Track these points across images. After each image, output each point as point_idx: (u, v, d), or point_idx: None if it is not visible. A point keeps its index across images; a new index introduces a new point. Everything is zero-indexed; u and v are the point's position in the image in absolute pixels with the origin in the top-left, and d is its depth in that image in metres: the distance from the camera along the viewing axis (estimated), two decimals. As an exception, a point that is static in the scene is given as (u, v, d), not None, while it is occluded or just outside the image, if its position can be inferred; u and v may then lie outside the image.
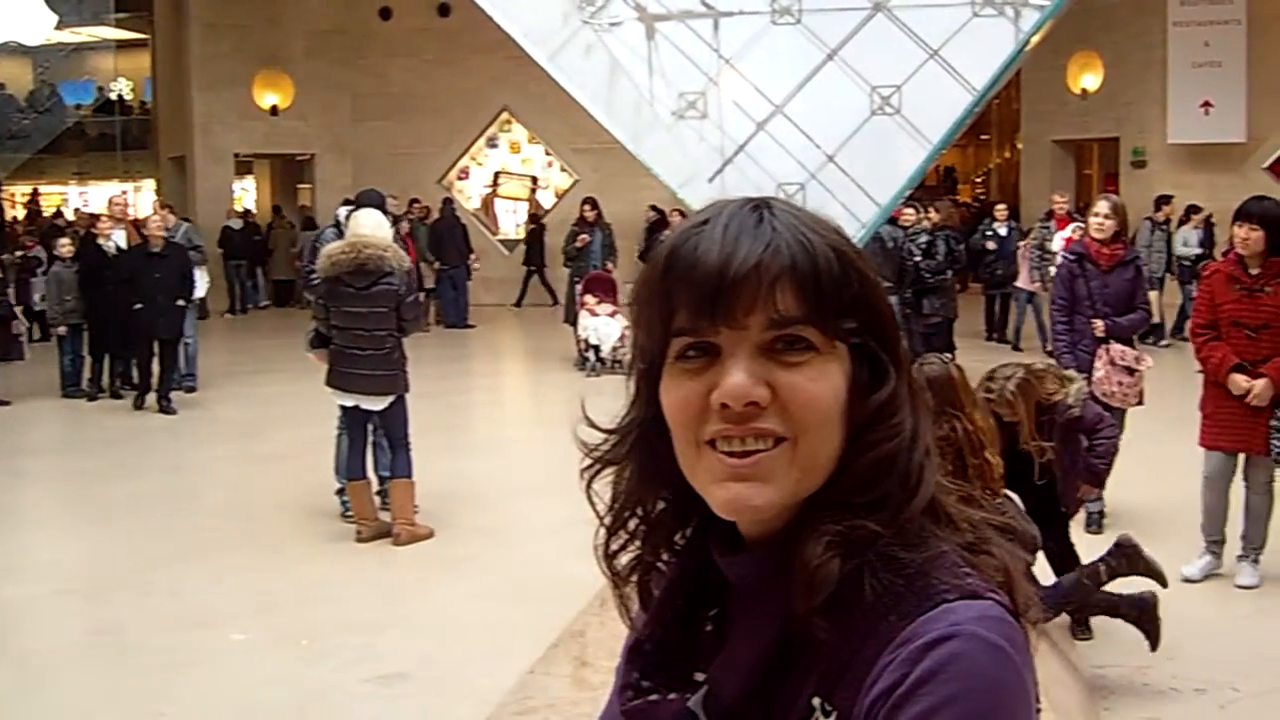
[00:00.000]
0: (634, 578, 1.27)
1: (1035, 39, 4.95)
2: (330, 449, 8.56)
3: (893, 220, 12.14)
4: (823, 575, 1.08)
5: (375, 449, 8.29)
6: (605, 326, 14.55)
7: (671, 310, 1.13)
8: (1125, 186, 20.33)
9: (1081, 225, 13.68)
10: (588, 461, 1.26)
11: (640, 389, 1.21)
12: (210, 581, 7.39)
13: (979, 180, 35.01)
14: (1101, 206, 7.82)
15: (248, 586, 7.29)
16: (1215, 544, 6.93)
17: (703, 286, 1.10)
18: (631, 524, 1.25)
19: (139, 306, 12.37)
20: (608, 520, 1.25)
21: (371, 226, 7.94)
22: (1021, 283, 15.66)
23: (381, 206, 8.61)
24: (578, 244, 16.67)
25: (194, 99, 22.72)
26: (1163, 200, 17.14)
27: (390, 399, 7.91)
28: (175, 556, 7.93)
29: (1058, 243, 13.79)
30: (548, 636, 4.90)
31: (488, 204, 23.69)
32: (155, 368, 12.89)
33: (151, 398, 12.89)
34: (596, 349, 14.58)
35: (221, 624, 6.67)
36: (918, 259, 12.74)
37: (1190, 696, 5.37)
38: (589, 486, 1.25)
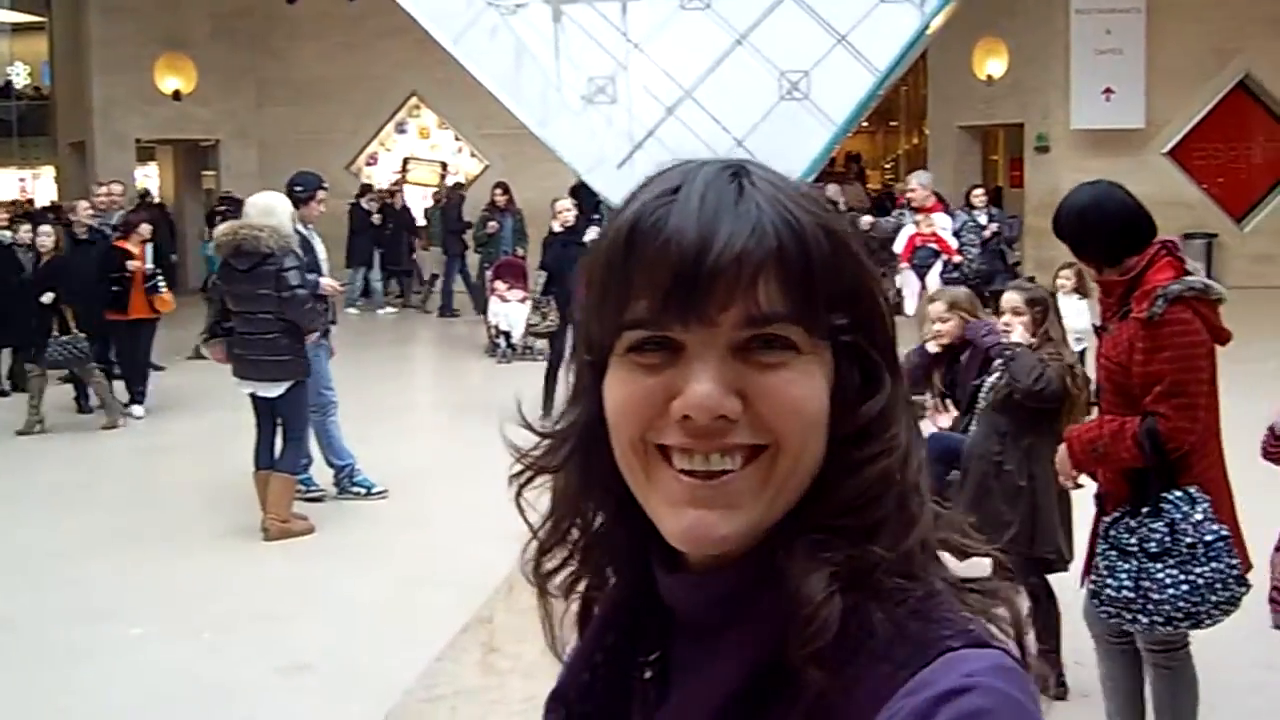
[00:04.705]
0: (572, 596, 1.11)
1: (938, 21, 4.99)
2: (236, 437, 8.43)
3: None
4: (825, 615, 0.92)
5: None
6: (516, 312, 14.46)
7: (629, 296, 0.95)
8: (1030, 172, 20.68)
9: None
10: (517, 469, 1.08)
11: (584, 384, 1.03)
12: (108, 574, 7.25)
13: (887, 166, 35.37)
14: None
15: (147, 578, 7.16)
16: None
17: (673, 275, 0.93)
18: (571, 536, 1.08)
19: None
20: (543, 535, 1.08)
21: (259, 210, 7.87)
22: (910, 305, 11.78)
23: (310, 187, 8.65)
24: (488, 230, 16.59)
25: (93, 83, 22.20)
26: None
27: (283, 386, 7.76)
28: (72, 550, 7.76)
29: (901, 241, 11.70)
30: (456, 623, 4.87)
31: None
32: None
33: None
34: (507, 335, 14.50)
35: (120, 617, 6.55)
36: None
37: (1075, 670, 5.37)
38: (519, 495, 1.08)
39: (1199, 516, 4.04)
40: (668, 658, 1.05)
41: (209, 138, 23.49)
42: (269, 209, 7.88)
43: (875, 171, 34.45)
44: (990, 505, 5.31)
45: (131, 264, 11.51)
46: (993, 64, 21.05)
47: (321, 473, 8.67)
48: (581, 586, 1.10)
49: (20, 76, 35.91)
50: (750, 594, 0.97)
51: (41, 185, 31.92)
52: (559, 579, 1.09)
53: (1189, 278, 4.05)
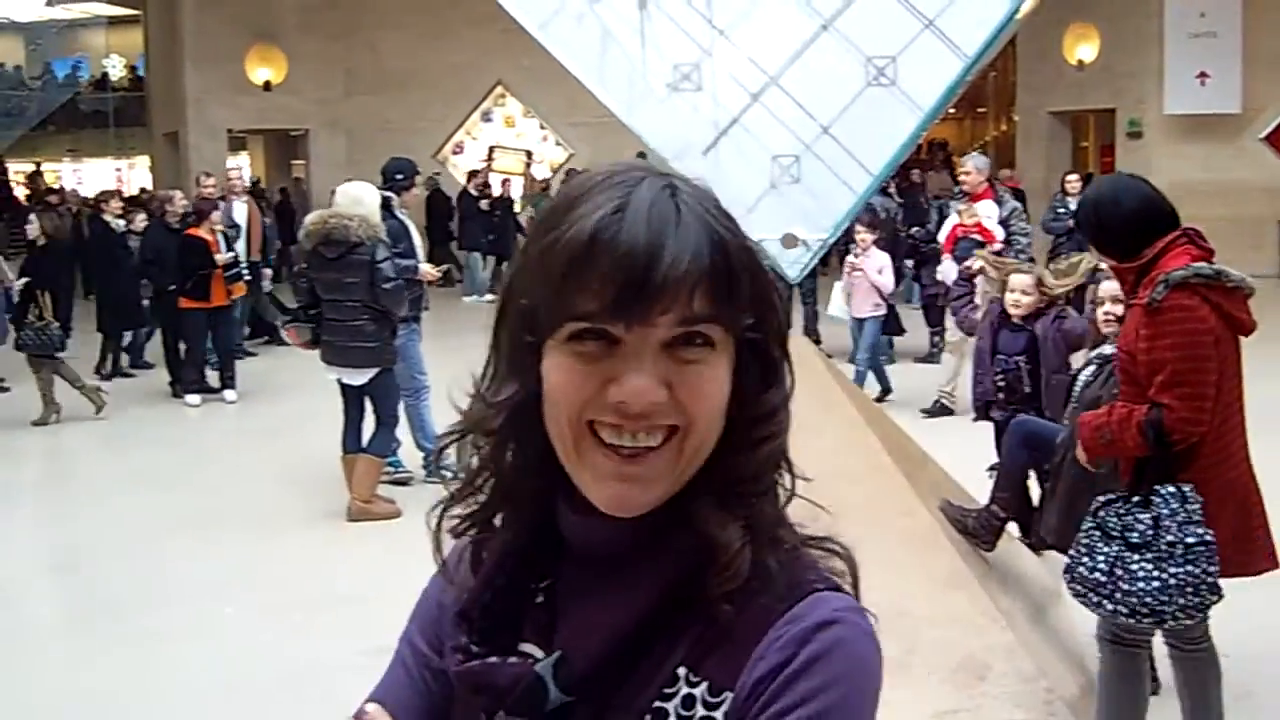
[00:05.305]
0: (470, 534, 1.26)
1: (1027, 5, 4.93)
2: (325, 422, 8.54)
3: (884, 190, 11.95)
4: (741, 560, 1.13)
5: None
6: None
7: (577, 292, 1.10)
8: (1122, 158, 20.31)
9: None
10: (456, 430, 1.25)
11: (523, 362, 1.17)
12: (197, 556, 7.39)
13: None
14: None
15: (235, 560, 7.29)
16: None
17: (625, 283, 1.08)
18: (485, 488, 1.23)
19: (174, 287, 12.07)
20: (458, 486, 1.25)
21: (349, 199, 7.95)
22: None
23: (409, 174, 8.85)
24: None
25: (186, 75, 22.60)
26: None
27: (370, 373, 7.86)
28: (162, 531, 7.93)
29: (944, 232, 10.93)
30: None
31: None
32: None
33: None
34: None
35: (208, 598, 6.67)
36: (912, 229, 12.72)
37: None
38: (442, 450, 1.25)
39: (1184, 517, 3.96)
40: (555, 587, 1.22)
41: (298, 127, 23.81)
42: (358, 199, 7.96)
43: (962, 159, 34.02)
44: (1081, 509, 5.20)
45: (219, 257, 11.73)
46: (1083, 49, 20.70)
47: (410, 456, 8.76)
48: (474, 528, 1.26)
49: (116, 69, 36.69)
50: (660, 535, 1.15)
51: (137, 175, 32.58)
52: (458, 524, 1.26)
53: (1198, 264, 3.94)
